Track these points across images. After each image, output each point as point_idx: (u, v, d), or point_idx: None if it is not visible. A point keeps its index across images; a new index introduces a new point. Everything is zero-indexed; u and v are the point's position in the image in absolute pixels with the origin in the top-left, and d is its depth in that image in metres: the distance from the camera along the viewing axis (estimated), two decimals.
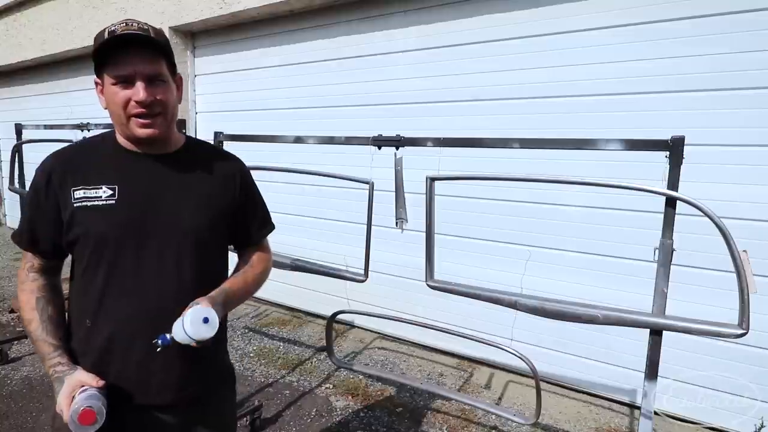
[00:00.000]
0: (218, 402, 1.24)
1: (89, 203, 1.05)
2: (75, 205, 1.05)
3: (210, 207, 1.15)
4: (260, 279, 1.27)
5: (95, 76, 1.06)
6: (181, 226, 1.10)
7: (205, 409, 1.20)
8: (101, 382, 1.00)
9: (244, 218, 1.25)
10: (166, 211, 1.09)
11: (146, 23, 1.05)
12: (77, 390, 0.98)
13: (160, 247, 1.08)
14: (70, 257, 1.14)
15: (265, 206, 1.34)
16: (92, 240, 1.05)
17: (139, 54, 1.01)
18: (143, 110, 1.02)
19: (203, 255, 1.14)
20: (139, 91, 1.00)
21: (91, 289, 1.07)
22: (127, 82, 1.01)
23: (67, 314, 1.14)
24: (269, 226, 1.33)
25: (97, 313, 1.07)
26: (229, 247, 1.29)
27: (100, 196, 1.05)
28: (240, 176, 1.24)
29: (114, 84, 1.01)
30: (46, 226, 1.08)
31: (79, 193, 1.05)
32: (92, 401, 0.95)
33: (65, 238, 1.07)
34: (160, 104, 1.04)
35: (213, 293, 1.09)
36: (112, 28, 1.00)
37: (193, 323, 0.95)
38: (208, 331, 0.96)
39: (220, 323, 1.18)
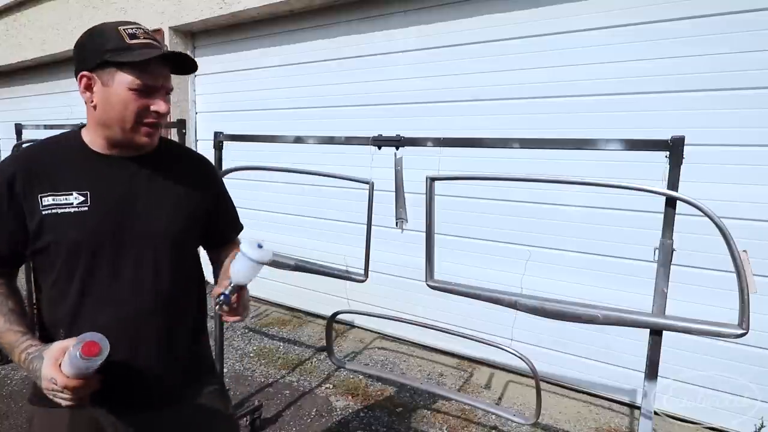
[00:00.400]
0: (196, 396, 1.22)
1: (60, 210, 1.00)
2: (44, 212, 0.99)
3: (185, 209, 1.14)
4: None
5: (84, 72, 1.00)
6: (158, 231, 1.08)
7: (191, 407, 1.19)
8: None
9: (217, 218, 1.25)
10: (141, 216, 1.07)
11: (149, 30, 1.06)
12: (61, 356, 0.89)
13: (136, 253, 1.06)
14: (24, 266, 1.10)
15: (233, 204, 1.34)
16: (64, 248, 1.01)
17: (164, 67, 1.03)
18: (157, 120, 1.03)
19: (179, 258, 1.13)
20: (163, 103, 1.03)
21: (64, 299, 1.03)
22: (147, 92, 1.00)
23: (37, 326, 1.09)
24: (240, 226, 1.35)
25: (73, 323, 1.03)
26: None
27: (72, 203, 1.01)
28: (212, 176, 1.25)
29: (132, 90, 0.98)
30: (8, 237, 1.01)
31: (47, 200, 1.00)
32: (90, 337, 0.87)
33: (31, 246, 1.02)
34: (166, 116, 1.06)
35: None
36: (131, 31, 0.99)
37: (254, 248, 0.97)
38: (268, 254, 0.98)
39: (202, 314, 1.22)
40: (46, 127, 3.41)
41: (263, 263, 0.99)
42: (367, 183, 2.05)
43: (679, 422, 2.57)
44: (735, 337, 1.32)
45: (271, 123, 4.05)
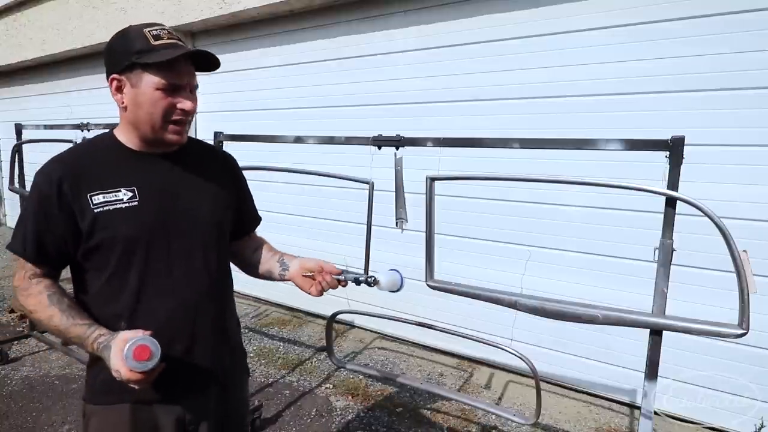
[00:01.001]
0: (241, 380, 1.35)
1: (111, 207, 1.03)
2: (95, 210, 1.02)
3: (221, 200, 1.20)
4: None
5: (114, 75, 1.03)
6: (203, 222, 1.14)
7: (233, 387, 1.27)
8: (148, 331, 0.96)
9: (241, 211, 1.31)
10: (186, 208, 1.12)
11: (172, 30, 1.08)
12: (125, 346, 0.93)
13: (186, 244, 1.11)
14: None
15: (253, 199, 1.40)
16: (120, 243, 1.04)
17: (188, 65, 1.06)
18: (184, 118, 1.06)
19: (222, 247, 1.21)
20: (188, 101, 1.05)
21: (121, 293, 1.06)
22: (174, 90, 1.03)
23: None
24: (258, 218, 1.41)
25: (133, 316, 1.06)
26: None
27: (121, 199, 1.04)
28: (236, 171, 1.31)
29: (159, 89, 1.01)
30: (58, 239, 1.03)
31: (98, 198, 1.03)
32: (142, 341, 0.91)
33: (83, 246, 1.04)
34: (192, 113, 1.09)
35: (301, 258, 1.26)
36: (155, 32, 1.02)
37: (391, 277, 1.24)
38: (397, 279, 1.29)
39: (230, 303, 1.29)
40: (46, 127, 3.42)
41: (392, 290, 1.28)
42: (367, 183, 2.05)
43: (679, 422, 2.57)
44: (735, 337, 1.32)
45: (271, 123, 4.04)
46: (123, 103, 1.04)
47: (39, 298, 1.03)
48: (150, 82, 1.01)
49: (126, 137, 1.10)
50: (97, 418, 1.12)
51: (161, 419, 1.11)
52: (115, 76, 1.03)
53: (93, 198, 1.02)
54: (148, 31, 1.02)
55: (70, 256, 1.07)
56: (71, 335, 1.01)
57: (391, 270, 1.23)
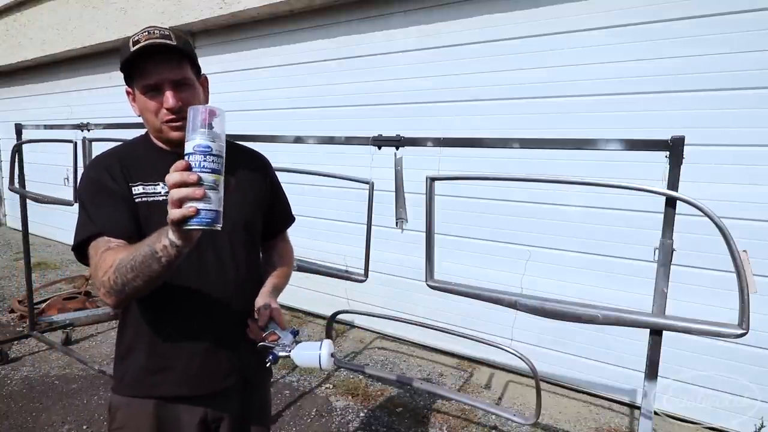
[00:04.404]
0: (263, 379, 1.34)
1: (150, 199, 1.05)
2: (137, 200, 1.04)
3: (251, 197, 1.20)
4: (291, 272, 1.37)
5: (126, 86, 1.09)
6: (233, 221, 1.12)
7: (257, 384, 1.27)
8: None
9: (272, 210, 1.30)
10: None
11: (168, 29, 1.05)
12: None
13: (216, 243, 1.10)
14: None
15: (287, 198, 1.40)
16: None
17: (164, 62, 1.02)
18: (173, 116, 1.05)
19: (251, 247, 1.21)
20: (168, 98, 1.02)
21: (156, 289, 1.02)
22: (156, 90, 1.03)
23: (120, 322, 1.15)
24: (292, 218, 1.41)
25: (161, 308, 1.08)
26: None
27: (160, 192, 1.05)
28: (268, 168, 1.31)
29: (144, 93, 1.03)
30: (126, 212, 1.02)
31: (138, 189, 1.05)
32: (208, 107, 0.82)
33: None
34: (178, 108, 1.04)
35: (270, 292, 1.16)
36: (136, 38, 1.01)
37: (328, 359, 1.02)
38: (332, 363, 1.05)
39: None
40: (46, 127, 3.41)
41: (322, 368, 1.05)
42: (367, 183, 2.05)
43: (679, 422, 2.57)
44: (735, 337, 1.32)
45: (271, 123, 4.05)
46: (137, 112, 1.09)
47: (114, 257, 0.93)
48: (138, 87, 1.04)
49: (155, 140, 1.13)
50: (123, 409, 1.13)
51: (184, 416, 1.13)
52: (127, 88, 1.09)
53: (134, 188, 1.05)
54: (132, 38, 1.01)
55: (135, 223, 1.02)
56: (140, 256, 0.89)
57: (319, 343, 1.03)
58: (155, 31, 1.02)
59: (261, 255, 1.34)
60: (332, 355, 1.05)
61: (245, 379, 1.20)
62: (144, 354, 1.10)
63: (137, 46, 0.98)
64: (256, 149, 1.35)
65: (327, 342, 1.04)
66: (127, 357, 1.12)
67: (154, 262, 0.87)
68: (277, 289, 1.22)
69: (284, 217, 1.38)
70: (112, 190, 1.04)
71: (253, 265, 1.22)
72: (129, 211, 1.03)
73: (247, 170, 1.23)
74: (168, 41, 1.01)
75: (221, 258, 1.12)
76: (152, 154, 1.11)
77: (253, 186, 1.22)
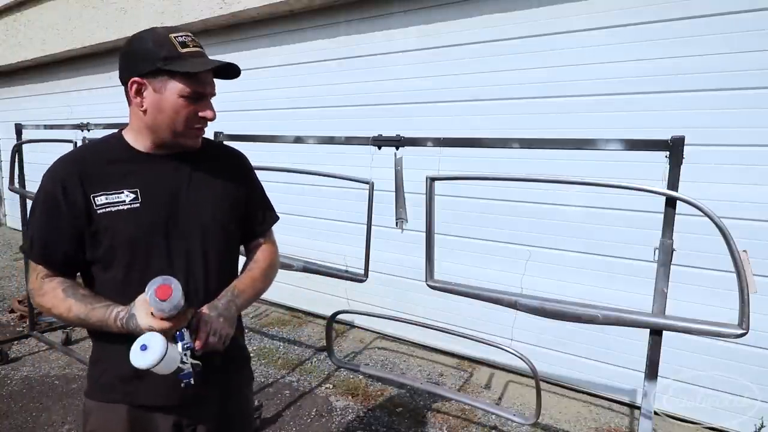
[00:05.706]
0: (240, 385, 1.30)
1: (113, 208, 1.03)
2: (99, 211, 1.03)
3: (227, 199, 1.18)
4: (268, 274, 1.26)
5: (135, 78, 1.02)
6: (205, 221, 1.12)
7: (234, 391, 1.25)
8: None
9: (248, 210, 1.25)
10: (189, 210, 1.11)
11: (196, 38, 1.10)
12: (147, 306, 0.93)
13: (187, 246, 1.10)
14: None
15: (267, 197, 1.34)
16: (120, 245, 1.04)
17: (211, 74, 1.09)
18: (204, 126, 1.10)
19: (225, 250, 1.18)
20: (210, 111, 1.09)
21: (123, 295, 1.02)
22: (198, 99, 1.05)
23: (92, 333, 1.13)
24: (273, 217, 1.33)
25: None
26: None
27: (124, 200, 1.04)
28: (244, 167, 1.28)
29: (183, 96, 1.03)
30: (64, 242, 1.04)
31: (100, 199, 1.03)
32: (160, 282, 0.91)
33: (89, 246, 1.04)
34: (212, 121, 1.12)
35: (217, 299, 1.10)
36: (182, 39, 1.04)
37: (134, 352, 0.90)
38: (146, 359, 0.89)
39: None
40: (46, 127, 3.41)
41: (146, 368, 0.90)
42: (367, 183, 2.05)
43: (679, 422, 2.57)
44: (735, 337, 1.32)
45: (271, 123, 4.05)
46: (143, 106, 1.04)
47: (54, 294, 1.03)
48: (175, 89, 1.02)
49: (136, 139, 1.10)
50: (96, 413, 1.12)
51: (158, 421, 1.11)
52: (136, 79, 1.02)
53: (96, 199, 1.03)
54: (174, 38, 1.02)
55: (78, 258, 1.06)
56: (93, 320, 1.00)
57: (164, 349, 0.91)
58: (195, 39, 1.08)
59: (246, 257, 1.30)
60: (144, 347, 0.89)
61: (221, 387, 1.19)
62: (116, 361, 1.06)
63: (204, 59, 1.05)
64: (229, 146, 1.32)
65: (144, 336, 0.91)
66: (99, 363, 1.12)
67: (112, 326, 0.99)
68: (230, 294, 1.12)
69: (263, 215, 1.29)
70: (60, 211, 1.02)
71: (226, 273, 1.18)
72: (71, 236, 1.03)
73: (225, 170, 1.20)
74: (228, 63, 1.08)
75: (192, 262, 1.10)
76: (123, 158, 1.08)
77: (230, 186, 1.19)
